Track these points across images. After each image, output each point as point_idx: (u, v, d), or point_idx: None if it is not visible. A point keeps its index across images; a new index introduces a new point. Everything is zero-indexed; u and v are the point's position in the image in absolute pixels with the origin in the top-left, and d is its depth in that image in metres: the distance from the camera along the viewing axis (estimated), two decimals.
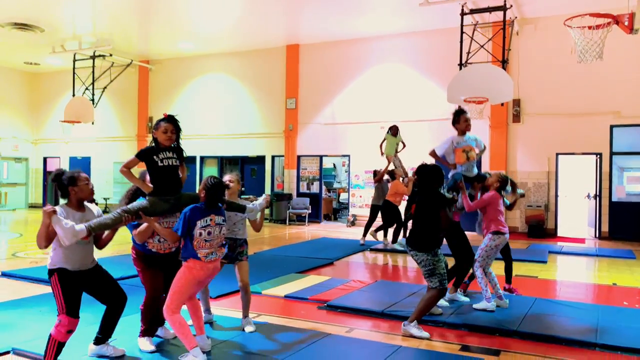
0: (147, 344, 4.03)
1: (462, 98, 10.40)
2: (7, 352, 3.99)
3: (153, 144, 3.97)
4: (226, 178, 4.54)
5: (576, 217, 15.11)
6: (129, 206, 3.73)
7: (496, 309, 5.32)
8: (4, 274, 7.00)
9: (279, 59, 16.26)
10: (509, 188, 5.76)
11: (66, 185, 3.52)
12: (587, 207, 13.93)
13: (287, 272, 7.37)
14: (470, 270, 5.74)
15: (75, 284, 3.49)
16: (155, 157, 3.88)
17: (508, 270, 6.22)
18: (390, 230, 10.16)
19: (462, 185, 5.46)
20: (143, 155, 3.92)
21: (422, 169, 4.81)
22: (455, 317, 5.10)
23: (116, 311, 3.76)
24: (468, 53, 11.71)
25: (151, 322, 4.13)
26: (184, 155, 4.08)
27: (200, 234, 3.73)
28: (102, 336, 3.79)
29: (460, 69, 11.23)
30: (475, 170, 5.81)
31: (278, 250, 9.91)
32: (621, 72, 12.35)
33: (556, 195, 13.13)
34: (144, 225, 3.84)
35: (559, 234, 12.95)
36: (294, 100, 15.96)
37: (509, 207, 6.12)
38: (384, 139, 10.44)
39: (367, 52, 15.13)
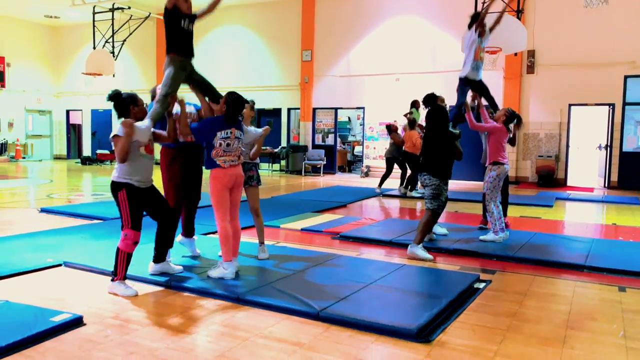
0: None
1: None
2: (59, 265, 4.56)
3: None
4: None
5: (587, 167, 15.33)
6: (161, 92, 4.15)
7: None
8: (43, 210, 7.59)
9: (295, 11, 16.33)
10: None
11: (129, 104, 3.86)
12: (598, 158, 14.12)
13: (303, 212, 7.85)
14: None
15: (140, 200, 3.87)
16: (182, 20, 4.34)
17: (504, 204, 6.58)
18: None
19: (466, 105, 5.87)
20: (172, 12, 4.34)
21: (434, 110, 5.45)
22: (457, 245, 5.55)
23: (168, 228, 4.12)
24: (483, 3, 11.72)
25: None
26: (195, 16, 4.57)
27: (220, 144, 4.11)
28: (159, 253, 4.17)
29: None
30: (480, 76, 6.13)
31: (294, 195, 10.42)
32: (637, 22, 12.29)
33: (567, 146, 13.33)
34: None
35: (569, 183, 13.23)
36: (310, 53, 16.13)
37: (511, 142, 6.43)
38: (410, 112, 10.54)
39: (383, 3, 15.13)
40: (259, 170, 5.01)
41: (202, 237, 5.68)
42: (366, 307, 3.52)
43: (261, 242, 4.96)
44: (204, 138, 4.17)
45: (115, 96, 3.82)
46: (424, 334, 3.11)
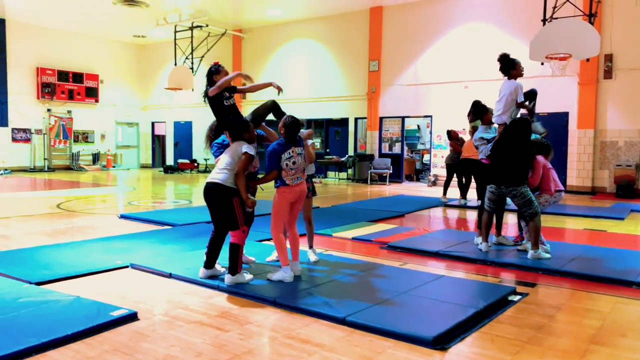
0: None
1: (545, 55, 10.31)
2: (127, 267, 5.11)
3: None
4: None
5: None
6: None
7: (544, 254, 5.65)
8: (122, 216, 8.38)
9: (362, 22, 16.64)
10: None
11: (242, 131, 4.52)
12: None
13: (358, 221, 8.07)
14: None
15: None
16: (225, 100, 4.93)
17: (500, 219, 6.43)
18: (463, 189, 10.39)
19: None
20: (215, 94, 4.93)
21: (518, 122, 5.64)
22: (505, 258, 5.55)
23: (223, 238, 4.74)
24: (554, 8, 11.40)
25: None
26: (236, 89, 5.11)
27: (287, 165, 4.55)
28: (210, 260, 4.65)
29: (544, 24, 11.03)
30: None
31: (354, 204, 10.65)
32: None
33: None
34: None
35: None
36: (377, 63, 16.34)
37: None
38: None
39: (450, 11, 15.07)
40: (314, 182, 5.43)
41: (256, 244, 6.08)
42: (392, 314, 3.70)
43: (310, 246, 5.39)
44: (275, 166, 4.55)
45: (231, 124, 4.55)
46: (441, 342, 3.25)
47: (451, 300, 4.08)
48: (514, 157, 5.53)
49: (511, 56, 6.00)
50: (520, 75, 6.02)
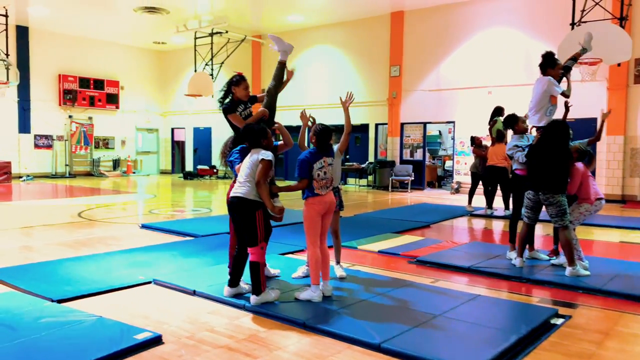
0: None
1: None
2: (149, 282, 4.98)
3: (228, 101, 4.92)
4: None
5: None
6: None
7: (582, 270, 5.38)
8: (144, 226, 8.29)
9: (383, 27, 16.44)
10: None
11: (260, 137, 4.33)
12: None
13: (383, 232, 7.86)
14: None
15: None
16: (238, 109, 4.84)
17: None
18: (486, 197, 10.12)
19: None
20: (231, 109, 4.86)
21: (556, 125, 5.34)
22: (541, 275, 5.29)
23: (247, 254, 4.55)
24: (582, 11, 11.08)
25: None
26: (257, 99, 5.07)
27: (319, 175, 4.37)
28: (235, 278, 4.47)
29: (573, 28, 10.72)
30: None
31: (377, 213, 10.43)
32: None
33: None
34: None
35: None
36: (398, 68, 16.12)
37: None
38: (494, 122, 10.21)
39: (473, 16, 14.80)
40: (341, 194, 5.21)
41: (279, 257, 5.91)
42: (430, 340, 3.50)
43: (338, 262, 5.19)
44: (306, 175, 4.38)
45: (249, 131, 4.36)
46: None
47: (490, 324, 3.85)
48: (552, 162, 5.29)
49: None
50: (555, 77, 5.79)
